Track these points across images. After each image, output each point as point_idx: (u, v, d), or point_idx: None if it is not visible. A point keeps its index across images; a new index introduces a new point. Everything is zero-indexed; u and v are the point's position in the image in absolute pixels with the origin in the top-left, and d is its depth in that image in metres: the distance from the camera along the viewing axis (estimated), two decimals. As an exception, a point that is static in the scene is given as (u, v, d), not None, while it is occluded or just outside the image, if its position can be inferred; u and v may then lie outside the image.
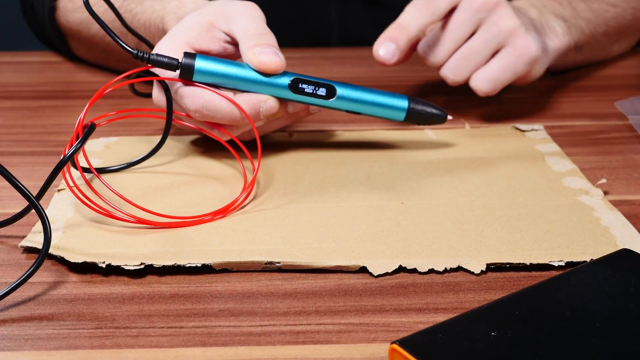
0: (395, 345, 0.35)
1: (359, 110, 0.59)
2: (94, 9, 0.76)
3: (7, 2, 1.47)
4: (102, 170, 0.58)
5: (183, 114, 0.57)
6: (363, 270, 0.46)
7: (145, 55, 0.54)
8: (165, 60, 0.55)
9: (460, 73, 0.64)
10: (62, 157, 0.47)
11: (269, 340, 0.40)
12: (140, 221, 0.49)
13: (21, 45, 1.06)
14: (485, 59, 0.64)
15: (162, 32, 0.67)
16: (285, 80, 0.56)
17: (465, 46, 0.63)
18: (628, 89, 0.78)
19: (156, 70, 0.57)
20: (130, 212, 0.50)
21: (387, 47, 0.62)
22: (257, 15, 0.58)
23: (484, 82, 0.64)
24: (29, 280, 0.45)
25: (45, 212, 0.44)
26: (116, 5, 0.75)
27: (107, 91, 0.54)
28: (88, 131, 0.48)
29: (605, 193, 0.55)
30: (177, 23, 0.60)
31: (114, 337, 0.40)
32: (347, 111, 0.59)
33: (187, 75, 0.55)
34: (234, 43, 0.59)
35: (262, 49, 0.55)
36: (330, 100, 0.57)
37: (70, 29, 0.83)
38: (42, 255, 0.43)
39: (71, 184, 0.52)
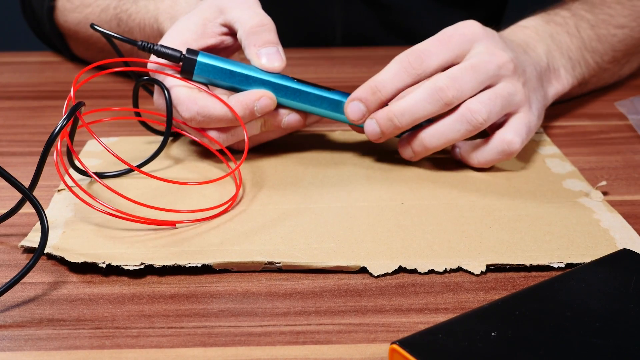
0: (395, 346, 0.35)
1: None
2: (91, 9, 0.76)
3: (7, 2, 1.47)
4: (101, 175, 0.57)
5: (179, 120, 0.57)
6: (363, 270, 0.46)
7: (149, 45, 0.56)
8: (169, 52, 0.56)
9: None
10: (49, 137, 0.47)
11: (269, 340, 0.40)
12: (143, 220, 0.49)
13: (21, 45, 1.06)
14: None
15: (157, 32, 0.67)
16: (287, 82, 0.56)
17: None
18: (628, 89, 0.78)
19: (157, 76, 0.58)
20: (130, 212, 0.50)
21: (356, 107, 0.56)
22: (251, 2, 0.58)
23: (436, 141, 0.57)
24: (30, 280, 0.45)
25: (42, 205, 0.44)
26: (112, 5, 0.76)
27: (93, 76, 0.54)
28: (74, 107, 0.48)
29: (605, 193, 0.55)
30: (173, 25, 0.60)
31: (114, 338, 0.40)
32: (344, 122, 0.59)
33: (189, 67, 0.56)
34: (231, 34, 0.59)
35: (265, 49, 0.56)
36: (332, 92, 0.58)
37: (68, 28, 0.83)
38: (40, 248, 0.43)
39: (70, 183, 0.52)
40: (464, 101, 0.55)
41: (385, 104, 0.56)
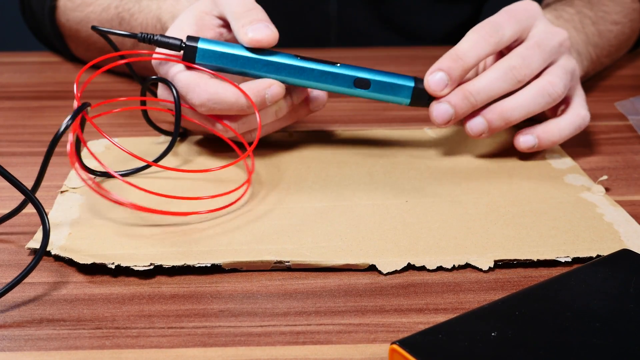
0: (395, 346, 0.35)
1: (363, 90, 0.58)
2: (93, 8, 0.76)
3: (7, 3, 1.47)
4: (106, 175, 0.57)
5: (188, 106, 0.57)
6: (372, 268, 0.46)
7: (149, 36, 0.56)
8: (169, 40, 0.56)
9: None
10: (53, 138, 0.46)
11: (269, 340, 0.40)
12: (158, 211, 0.49)
13: (21, 45, 1.06)
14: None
15: (160, 31, 0.68)
16: (290, 60, 0.56)
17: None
18: (628, 89, 0.78)
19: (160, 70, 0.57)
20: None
21: (438, 77, 0.57)
22: None
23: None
24: (30, 280, 0.45)
25: (44, 207, 0.44)
26: (113, 4, 0.76)
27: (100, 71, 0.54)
28: (79, 109, 0.48)
29: (607, 190, 0.55)
30: (173, 22, 0.60)
31: (114, 338, 0.40)
32: (350, 94, 0.58)
33: (190, 57, 0.55)
34: (227, 26, 0.59)
35: (252, 25, 0.55)
36: (335, 66, 0.57)
37: (69, 28, 0.83)
38: (41, 249, 0.43)
39: (85, 177, 0.51)
40: (535, 77, 0.58)
41: (466, 73, 0.57)
